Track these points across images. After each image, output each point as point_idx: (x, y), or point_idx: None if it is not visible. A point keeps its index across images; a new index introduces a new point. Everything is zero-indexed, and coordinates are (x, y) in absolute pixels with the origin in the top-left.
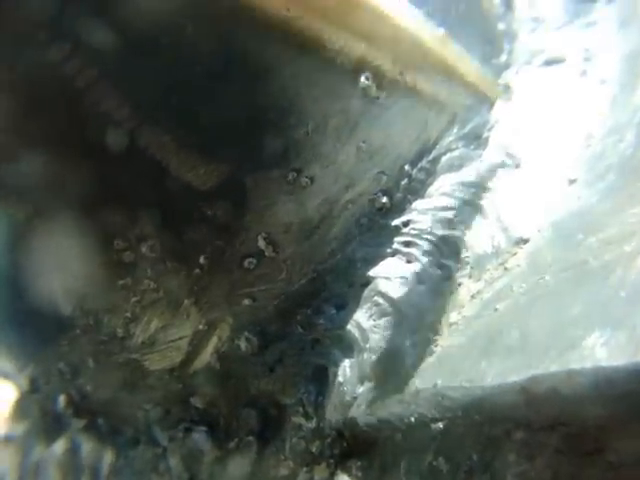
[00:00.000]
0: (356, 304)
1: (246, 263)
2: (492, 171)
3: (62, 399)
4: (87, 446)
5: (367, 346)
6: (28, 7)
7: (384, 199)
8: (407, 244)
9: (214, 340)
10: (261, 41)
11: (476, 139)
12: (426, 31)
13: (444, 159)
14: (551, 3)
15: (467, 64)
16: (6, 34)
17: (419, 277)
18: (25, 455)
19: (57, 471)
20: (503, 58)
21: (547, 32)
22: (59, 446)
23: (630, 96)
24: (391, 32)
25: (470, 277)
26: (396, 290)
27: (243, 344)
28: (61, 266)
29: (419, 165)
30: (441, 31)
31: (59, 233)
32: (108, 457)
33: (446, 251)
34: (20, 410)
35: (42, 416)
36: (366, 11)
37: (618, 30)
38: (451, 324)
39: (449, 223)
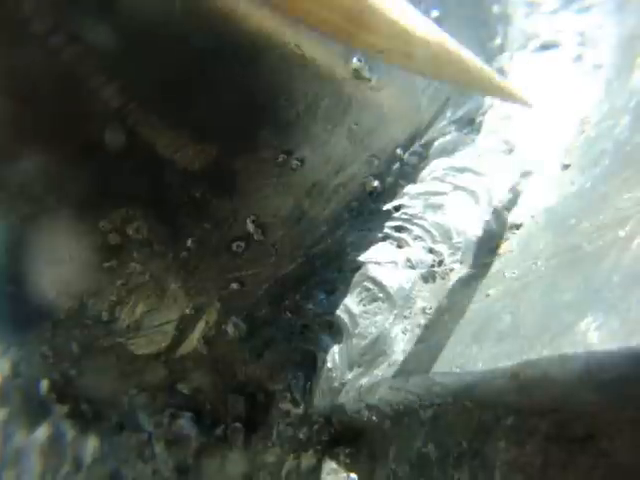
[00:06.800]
0: (346, 289)
1: (234, 247)
2: (485, 156)
3: (45, 384)
4: (70, 432)
5: (356, 332)
6: None
7: (375, 183)
8: (398, 229)
9: (201, 325)
10: (252, 22)
11: (469, 123)
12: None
13: (436, 143)
14: None
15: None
16: None
17: (410, 262)
18: (6, 441)
19: (39, 457)
20: (497, 42)
21: (542, 16)
22: (41, 432)
23: (625, 81)
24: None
25: (462, 262)
26: (386, 275)
27: (231, 329)
28: (45, 248)
29: (411, 149)
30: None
31: (42, 215)
32: (92, 443)
33: (438, 236)
34: (1, 395)
35: (24, 401)
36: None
37: (613, 14)
38: (442, 309)
39: (441, 208)
